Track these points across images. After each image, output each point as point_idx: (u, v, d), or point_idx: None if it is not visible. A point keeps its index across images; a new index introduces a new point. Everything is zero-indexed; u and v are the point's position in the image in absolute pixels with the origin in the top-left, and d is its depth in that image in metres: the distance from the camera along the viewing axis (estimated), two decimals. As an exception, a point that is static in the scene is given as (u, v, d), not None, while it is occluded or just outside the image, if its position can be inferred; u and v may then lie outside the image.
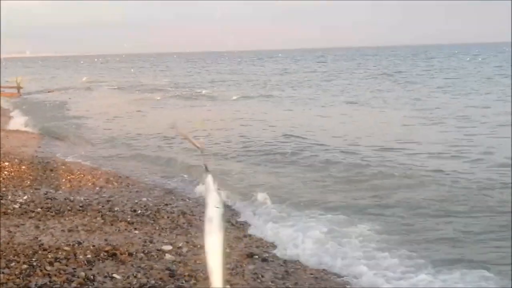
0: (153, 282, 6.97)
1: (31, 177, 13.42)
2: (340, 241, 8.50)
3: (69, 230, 9.10)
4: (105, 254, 7.89)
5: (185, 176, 13.95)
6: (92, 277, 6.99)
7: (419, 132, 20.22)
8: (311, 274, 7.64)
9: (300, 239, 8.71)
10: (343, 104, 31.38)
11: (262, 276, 7.48)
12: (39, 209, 10.34)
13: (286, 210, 10.39)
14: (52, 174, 13.98)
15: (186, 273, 7.36)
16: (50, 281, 6.77)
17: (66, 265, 7.34)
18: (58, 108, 34.26)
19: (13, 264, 7.28)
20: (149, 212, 10.55)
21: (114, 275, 7.13)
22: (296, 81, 52.82)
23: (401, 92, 37.10)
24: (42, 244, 8.20)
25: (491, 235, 9.02)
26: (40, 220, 9.64)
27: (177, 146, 18.31)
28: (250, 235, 9.31)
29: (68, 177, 13.64)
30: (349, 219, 9.72)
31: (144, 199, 11.66)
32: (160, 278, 7.11)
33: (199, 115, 28.91)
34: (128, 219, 9.92)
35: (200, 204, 10.87)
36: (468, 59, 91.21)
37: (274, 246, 8.74)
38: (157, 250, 8.26)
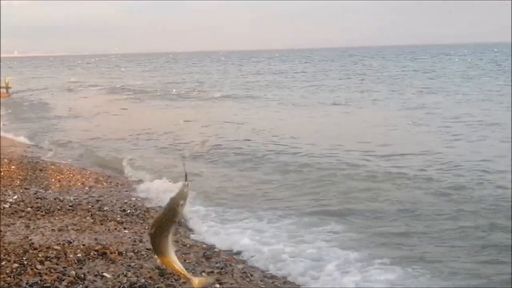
0: (143, 281, 7.06)
1: (20, 177, 13.45)
2: (301, 243, 8.61)
3: (59, 230, 9.16)
4: (95, 253, 7.97)
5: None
6: (82, 275, 7.07)
7: (400, 133, 20.35)
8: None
9: (254, 240, 8.81)
10: (325, 105, 31.30)
11: (251, 275, 7.58)
12: (29, 209, 10.39)
13: (243, 213, 10.45)
14: (42, 174, 14.00)
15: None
16: (41, 280, 6.84)
17: (57, 264, 7.42)
18: (37, 109, 33.91)
19: (3, 263, 7.34)
20: (139, 211, 10.62)
21: (104, 274, 7.21)
22: (282, 81, 52.76)
23: (385, 93, 37.16)
24: (33, 243, 8.26)
25: (449, 235, 9.16)
26: (30, 220, 9.70)
27: (153, 147, 18.47)
28: (196, 241, 9.08)
29: (58, 177, 13.68)
30: (313, 221, 9.81)
31: (134, 198, 11.74)
32: (150, 277, 7.19)
33: (180, 115, 28.83)
34: (118, 219, 10.00)
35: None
36: (457, 59, 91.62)
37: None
38: (147, 249, 8.30)
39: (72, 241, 8.52)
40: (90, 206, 10.86)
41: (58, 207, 10.67)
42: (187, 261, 7.97)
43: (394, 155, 15.71)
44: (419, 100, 31.80)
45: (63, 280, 6.88)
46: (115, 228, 9.42)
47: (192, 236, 9.26)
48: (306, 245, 8.48)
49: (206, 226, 9.68)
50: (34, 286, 6.67)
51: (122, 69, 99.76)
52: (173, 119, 26.55)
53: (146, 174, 13.76)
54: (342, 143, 17.74)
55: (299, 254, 8.16)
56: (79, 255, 7.83)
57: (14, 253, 7.73)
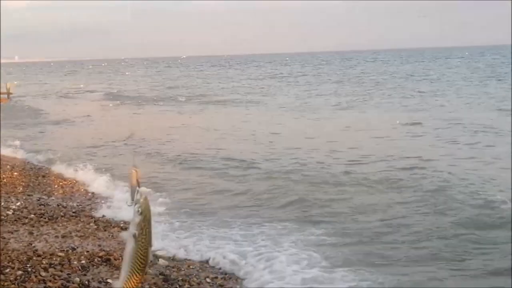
0: (147, 287, 7.06)
1: (23, 184, 13.46)
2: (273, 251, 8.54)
3: (63, 236, 9.17)
4: (99, 259, 7.97)
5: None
6: (86, 282, 7.08)
7: (393, 137, 20.12)
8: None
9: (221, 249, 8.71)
10: (320, 109, 31.10)
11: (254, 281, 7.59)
12: (32, 216, 10.39)
13: (217, 219, 10.44)
14: (44, 180, 14.04)
15: (180, 278, 7.47)
16: (45, 287, 6.85)
17: (61, 271, 7.42)
18: (28, 116, 33.23)
19: (8, 270, 7.33)
20: (142, 217, 10.58)
21: (109, 280, 7.20)
22: (281, 86, 52.58)
23: (383, 97, 37.16)
24: (36, 250, 8.27)
25: (418, 240, 9.13)
26: (33, 226, 9.70)
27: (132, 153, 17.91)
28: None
29: (60, 183, 13.71)
30: (293, 227, 9.76)
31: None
32: (154, 283, 7.20)
33: (176, 120, 28.53)
34: (121, 225, 9.99)
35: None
36: (459, 62, 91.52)
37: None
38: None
39: (76, 247, 8.53)
40: (93, 212, 10.88)
41: (61, 213, 10.69)
42: (191, 266, 8.00)
43: (384, 160, 15.56)
44: (416, 103, 31.93)
45: (67, 287, 6.88)
46: (119, 234, 9.42)
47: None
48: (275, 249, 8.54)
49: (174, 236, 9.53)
50: (39, 293, 6.68)
51: (127, 73, 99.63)
52: (165, 124, 26.46)
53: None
54: (333, 149, 17.57)
55: (262, 257, 8.22)
56: (83, 261, 7.84)
57: (18, 260, 7.73)
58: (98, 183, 13.38)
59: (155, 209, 10.49)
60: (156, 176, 14.26)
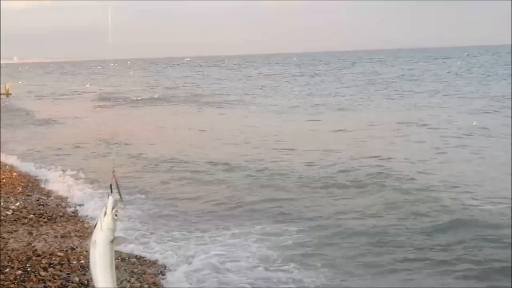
0: (146, 286, 7.11)
1: (22, 184, 13.48)
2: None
3: (62, 236, 9.20)
4: (98, 259, 7.96)
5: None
6: (86, 282, 7.09)
7: (386, 138, 19.95)
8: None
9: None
10: (317, 110, 31.01)
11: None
12: (31, 216, 10.43)
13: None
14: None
15: (179, 277, 7.50)
16: (44, 286, 6.89)
17: (60, 271, 7.46)
18: (18, 117, 32.58)
19: (7, 270, 7.37)
20: (141, 217, 10.63)
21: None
22: (277, 87, 52.38)
23: (378, 97, 37.00)
24: (36, 250, 8.31)
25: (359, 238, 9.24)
26: (33, 227, 9.74)
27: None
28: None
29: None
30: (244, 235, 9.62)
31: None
32: (153, 283, 7.24)
33: (168, 121, 28.60)
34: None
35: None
36: (458, 62, 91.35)
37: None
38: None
39: (75, 247, 8.56)
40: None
41: (60, 213, 10.72)
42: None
43: (372, 161, 15.48)
44: (413, 103, 31.95)
45: (67, 287, 6.92)
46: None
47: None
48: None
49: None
50: (38, 293, 6.70)
51: (126, 74, 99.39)
52: (155, 125, 26.53)
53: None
54: (323, 150, 17.51)
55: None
56: (82, 261, 7.85)
57: (17, 260, 7.77)
58: (69, 183, 13.52)
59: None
60: (136, 177, 14.23)
